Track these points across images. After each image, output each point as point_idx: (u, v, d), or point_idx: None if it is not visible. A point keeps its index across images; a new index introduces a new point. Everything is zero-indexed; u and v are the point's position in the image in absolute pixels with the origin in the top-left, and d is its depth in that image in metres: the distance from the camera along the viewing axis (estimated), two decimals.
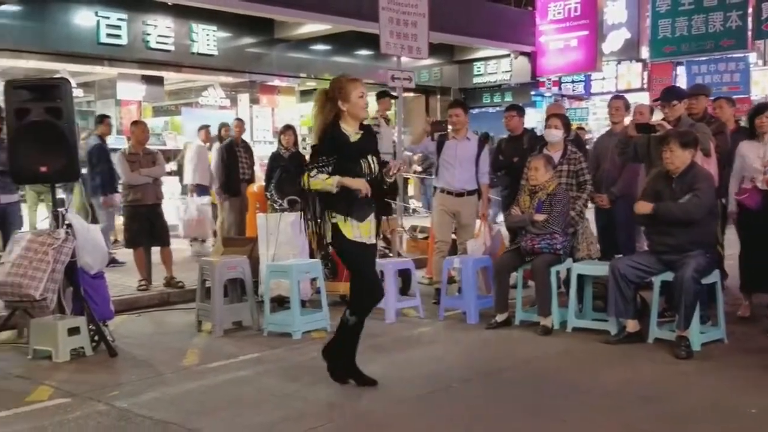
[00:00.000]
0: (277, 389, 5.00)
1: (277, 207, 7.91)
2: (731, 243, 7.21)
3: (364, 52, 17.36)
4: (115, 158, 8.74)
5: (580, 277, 6.54)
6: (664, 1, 15.76)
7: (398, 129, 10.85)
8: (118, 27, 13.41)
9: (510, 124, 8.17)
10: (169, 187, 11.49)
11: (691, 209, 5.68)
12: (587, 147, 9.00)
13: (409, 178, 15.41)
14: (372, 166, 4.81)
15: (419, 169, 15.74)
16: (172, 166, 12.55)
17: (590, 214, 7.24)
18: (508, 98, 19.99)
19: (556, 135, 7.01)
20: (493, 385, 5.10)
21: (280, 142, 9.17)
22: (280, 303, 7.16)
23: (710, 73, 19.09)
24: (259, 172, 10.95)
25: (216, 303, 6.61)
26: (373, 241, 4.92)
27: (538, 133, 8.56)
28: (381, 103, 9.87)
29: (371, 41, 13.49)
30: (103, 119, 10.36)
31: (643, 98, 17.98)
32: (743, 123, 7.69)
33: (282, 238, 7.22)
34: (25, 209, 9.01)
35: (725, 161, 6.74)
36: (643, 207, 5.86)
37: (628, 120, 7.46)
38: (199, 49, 14.56)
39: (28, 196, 9.62)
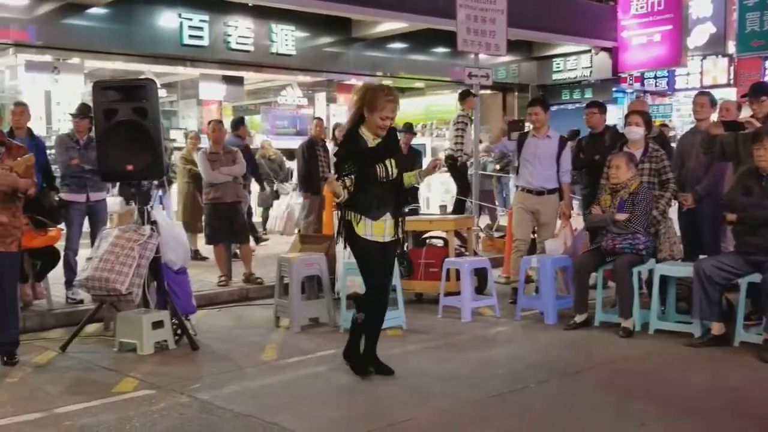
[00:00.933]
0: (353, 385, 5.04)
1: None
2: None
3: (440, 50, 17.26)
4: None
5: (663, 278, 6.38)
6: None
7: (475, 126, 10.79)
8: (201, 28, 13.66)
9: (591, 121, 8.02)
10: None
11: None
12: (672, 144, 8.76)
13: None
14: (389, 170, 4.93)
15: (497, 167, 15.60)
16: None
17: (673, 213, 7.07)
18: (588, 95, 19.55)
19: (636, 132, 6.86)
20: (572, 386, 5.02)
21: None
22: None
23: None
24: None
25: (294, 299, 6.71)
26: (388, 240, 5.01)
27: (620, 131, 8.38)
28: (466, 102, 9.80)
29: (448, 39, 13.44)
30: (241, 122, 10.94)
31: (730, 94, 17.38)
32: None
33: None
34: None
35: None
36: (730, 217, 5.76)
37: (714, 117, 7.24)
38: (278, 49, 14.72)
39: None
